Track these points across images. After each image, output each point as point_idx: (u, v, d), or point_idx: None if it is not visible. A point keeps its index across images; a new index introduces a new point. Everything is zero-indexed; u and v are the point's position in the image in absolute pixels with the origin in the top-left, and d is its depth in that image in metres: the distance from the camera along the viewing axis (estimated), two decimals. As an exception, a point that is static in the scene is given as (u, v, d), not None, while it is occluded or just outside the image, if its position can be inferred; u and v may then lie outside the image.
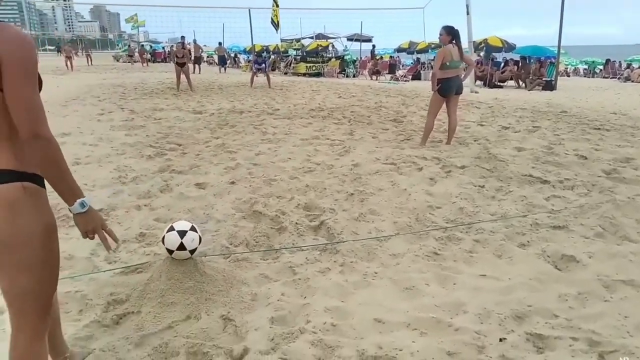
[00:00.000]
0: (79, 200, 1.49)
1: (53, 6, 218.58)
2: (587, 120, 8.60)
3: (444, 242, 3.38)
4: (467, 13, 13.57)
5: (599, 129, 7.68)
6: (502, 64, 17.46)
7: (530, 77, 15.36)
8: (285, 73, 23.78)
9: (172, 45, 18.24)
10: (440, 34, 6.46)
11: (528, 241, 3.34)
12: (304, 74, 22.40)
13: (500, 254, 3.18)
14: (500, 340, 2.27)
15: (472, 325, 2.38)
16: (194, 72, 22.41)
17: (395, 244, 3.34)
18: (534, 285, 2.75)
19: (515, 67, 16.42)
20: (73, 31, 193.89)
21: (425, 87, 16.78)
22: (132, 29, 67.07)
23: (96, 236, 1.56)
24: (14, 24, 1.38)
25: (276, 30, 21.05)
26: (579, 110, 9.93)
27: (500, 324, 2.39)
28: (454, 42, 6.25)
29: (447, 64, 6.17)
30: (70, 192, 1.48)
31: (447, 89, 6.30)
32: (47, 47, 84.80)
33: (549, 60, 16.26)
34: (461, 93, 6.59)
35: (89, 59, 32.09)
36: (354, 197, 4.26)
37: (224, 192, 4.39)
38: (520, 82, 15.91)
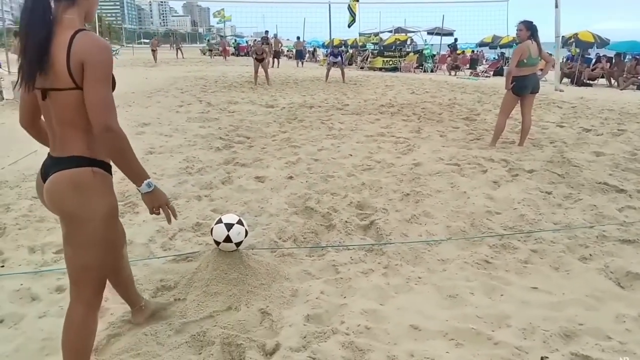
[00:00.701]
0: (145, 182, 1.72)
1: (150, 1, 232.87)
2: (684, 124, 7.80)
3: (498, 250, 3.23)
4: (556, 6, 12.72)
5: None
6: (594, 61, 16.19)
7: (624, 75, 14.14)
8: (362, 67, 23.68)
9: (254, 40, 18.79)
10: (519, 29, 6.14)
11: (590, 254, 3.11)
12: (380, 69, 22.18)
13: (557, 266, 3.00)
14: (542, 358, 2.16)
15: (514, 340, 2.27)
16: (272, 66, 23.01)
17: (444, 249, 3.25)
18: (590, 303, 2.57)
19: (608, 65, 15.16)
20: (167, 25, 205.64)
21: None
22: (218, 23, 69.96)
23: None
24: (94, 33, 1.62)
25: (352, 21, 20.86)
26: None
27: (545, 342, 2.26)
28: (532, 38, 5.91)
29: (525, 61, 5.86)
30: (137, 175, 1.72)
31: (522, 88, 5.99)
32: (142, 40, 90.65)
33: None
34: (537, 92, 6.24)
35: (180, 52, 33.72)
36: (409, 197, 4.18)
37: (281, 187, 4.49)
38: (613, 81, 14.69)
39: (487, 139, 6.76)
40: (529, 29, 5.96)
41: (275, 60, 23.98)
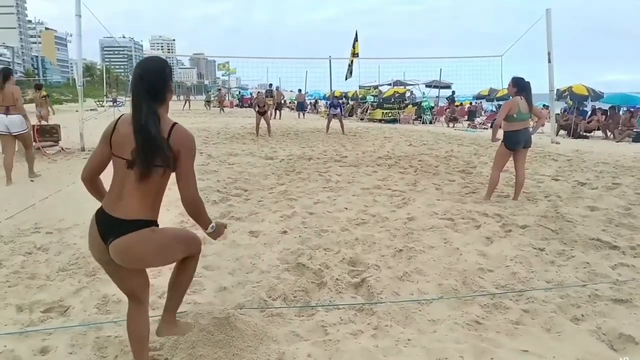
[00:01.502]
0: (210, 225, 2.38)
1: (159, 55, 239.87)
2: (677, 178, 7.85)
3: (490, 310, 3.20)
4: (549, 61, 13.10)
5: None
6: (589, 113, 16.50)
7: (620, 128, 14.36)
8: (362, 119, 24.13)
9: (258, 92, 19.28)
10: (509, 86, 6.35)
11: (583, 315, 3.08)
12: (380, 120, 22.58)
13: (549, 327, 2.96)
14: None
15: (502, 408, 2.22)
16: (274, 118, 23.48)
17: (436, 309, 3.22)
18: (581, 367, 2.53)
19: (603, 117, 15.43)
20: (174, 77, 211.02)
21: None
22: (224, 75, 71.85)
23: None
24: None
25: (349, 75, 21.51)
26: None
27: (534, 410, 2.21)
28: (521, 94, 6.04)
29: (514, 115, 5.95)
30: (204, 223, 2.36)
31: (514, 142, 6.07)
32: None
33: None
34: (530, 146, 6.33)
35: (188, 104, 34.48)
36: (402, 253, 4.18)
37: (274, 242, 4.50)
38: (609, 133, 14.91)
39: (483, 192, 6.80)
40: (515, 86, 6.12)
41: (277, 111, 24.48)
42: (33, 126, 10.28)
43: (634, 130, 14.03)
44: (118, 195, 2.13)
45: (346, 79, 21.89)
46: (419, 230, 4.89)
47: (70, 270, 3.79)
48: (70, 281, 3.59)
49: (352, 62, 22.40)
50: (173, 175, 2.18)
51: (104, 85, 36.00)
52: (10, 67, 9.45)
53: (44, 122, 11.92)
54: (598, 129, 15.55)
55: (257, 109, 15.19)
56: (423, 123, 22.02)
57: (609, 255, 4.16)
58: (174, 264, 2.51)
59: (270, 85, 24.46)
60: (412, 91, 25.95)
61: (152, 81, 2.13)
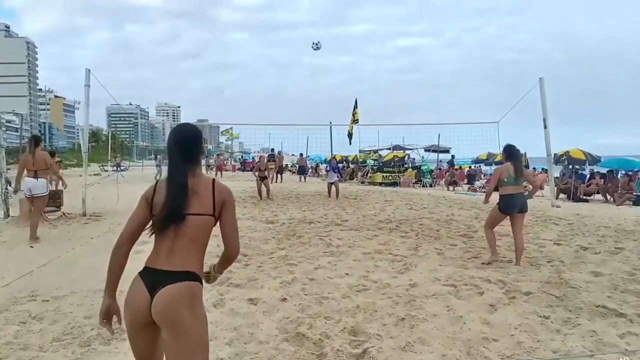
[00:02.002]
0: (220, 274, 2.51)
1: (163, 121, 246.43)
2: (680, 242, 7.80)
3: (496, 382, 3.09)
4: (545, 127, 13.41)
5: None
6: (588, 177, 16.65)
7: (619, 191, 14.44)
8: (362, 182, 24.33)
9: (260, 156, 19.57)
10: (501, 153, 6.71)
11: (593, 389, 2.97)
12: (380, 183, 22.78)
13: (558, 402, 2.85)
14: None
15: None
16: (276, 181, 23.71)
17: (439, 381, 3.11)
18: None
19: (602, 181, 15.56)
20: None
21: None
22: (226, 141, 73.25)
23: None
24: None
25: (349, 142, 22.04)
26: (673, 230, 9.06)
27: None
28: (510, 160, 6.32)
29: (505, 180, 6.20)
30: (222, 271, 2.49)
31: (509, 206, 6.24)
32: (153, 156, 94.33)
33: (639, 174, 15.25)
34: (525, 211, 6.43)
35: None
36: (405, 322, 4.09)
37: (273, 310, 4.41)
38: (608, 196, 14.97)
39: (485, 257, 6.75)
40: (505, 153, 6.52)
41: (279, 175, 24.74)
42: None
43: (634, 193, 14.09)
44: (167, 251, 2.13)
45: (350, 143, 22.36)
46: (421, 297, 4.80)
47: (65, 341, 3.70)
48: (63, 352, 3.50)
49: (352, 128, 22.98)
50: None
51: (109, 150, 36.83)
52: (22, 134, 9.93)
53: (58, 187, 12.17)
54: (597, 193, 15.62)
55: (257, 173, 15.41)
56: (423, 186, 22.19)
57: (616, 324, 4.06)
58: None
59: (272, 150, 24.97)
60: (409, 154, 26.34)
61: (187, 146, 2.29)
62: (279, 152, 27.10)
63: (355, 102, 23.66)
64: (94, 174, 31.26)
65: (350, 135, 21.87)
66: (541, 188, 18.53)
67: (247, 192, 17.71)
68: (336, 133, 23.41)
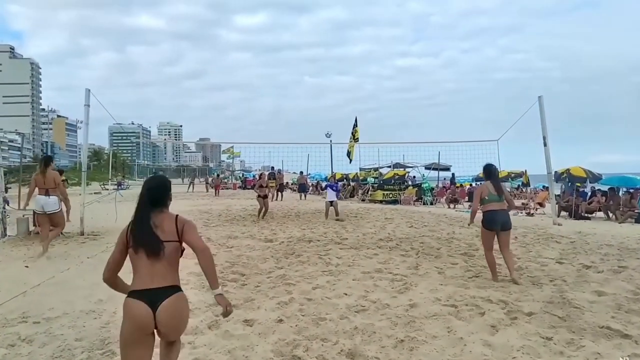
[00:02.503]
0: (220, 286, 2.88)
1: (165, 139, 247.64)
2: (684, 260, 7.68)
3: (497, 407, 2.98)
4: (545, 144, 13.39)
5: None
6: (589, 195, 16.57)
7: (621, 209, 14.34)
8: (363, 200, 24.26)
9: (261, 173, 19.48)
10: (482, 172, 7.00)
11: (598, 415, 2.85)
12: (381, 201, 22.70)
13: None
14: None
15: None
16: (276, 199, 23.64)
17: (439, 406, 3.00)
18: None
19: (604, 198, 15.47)
20: (179, 160, 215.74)
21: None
22: (227, 159, 73.53)
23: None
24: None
25: (350, 161, 22.04)
26: (676, 248, 8.93)
27: None
28: (489, 179, 6.60)
29: (486, 197, 6.42)
30: (215, 281, 2.84)
31: (490, 221, 6.41)
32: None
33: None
34: (509, 228, 6.53)
35: (192, 186, 34.91)
36: (404, 344, 3.98)
37: (269, 332, 4.31)
38: (610, 214, 14.87)
39: (486, 276, 6.66)
40: (483, 172, 6.83)
41: (279, 193, 24.68)
42: (33, 212, 10.36)
43: (636, 211, 13.99)
44: (151, 274, 2.72)
45: (350, 162, 22.35)
46: (421, 318, 4.70)
47: (54, 364, 3.60)
48: (51, 376, 3.40)
49: (352, 146, 22.99)
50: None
51: (109, 169, 36.89)
52: (24, 153, 10.27)
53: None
54: (599, 210, 15.52)
55: (259, 190, 15.12)
56: (424, 204, 22.10)
57: (621, 345, 3.95)
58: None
59: (272, 168, 24.96)
60: (409, 172, 26.30)
61: (157, 192, 2.98)
62: (279, 171, 27.08)
63: (356, 120, 23.72)
64: (94, 192, 31.34)
65: (349, 153, 21.86)
66: (542, 206, 18.49)
67: (247, 211, 17.64)
68: (336, 151, 23.39)
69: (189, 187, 34.51)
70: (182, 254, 2.89)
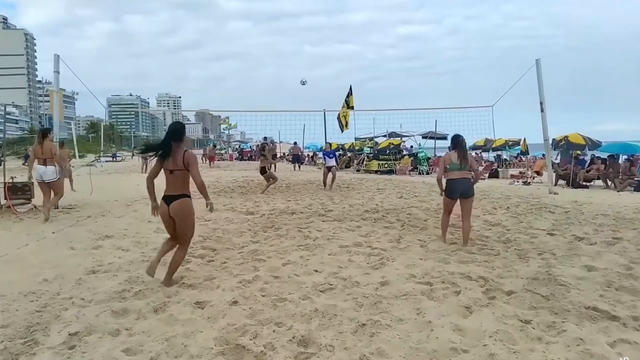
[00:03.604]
0: (209, 200, 4.84)
1: (164, 112, 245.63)
2: (683, 230, 7.24)
3: (458, 406, 2.58)
4: (542, 110, 12.80)
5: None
6: (588, 162, 16.04)
7: (620, 177, 13.85)
8: (358, 170, 23.78)
9: (263, 144, 18.60)
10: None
11: (573, 416, 2.45)
12: (376, 171, 22.23)
13: None
14: None
15: None
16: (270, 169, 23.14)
17: (391, 405, 2.60)
18: None
19: (603, 166, 14.94)
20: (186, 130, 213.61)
21: (499, 185, 15.74)
22: (223, 130, 72.53)
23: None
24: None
25: (342, 130, 21.42)
26: (676, 217, 8.48)
27: None
28: (454, 148, 6.75)
29: (448, 166, 6.62)
30: (207, 197, 4.80)
31: (450, 190, 6.62)
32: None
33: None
34: (470, 196, 6.61)
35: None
36: (365, 329, 3.58)
37: (220, 315, 3.90)
38: (609, 182, 14.38)
39: (472, 249, 6.26)
40: (450, 142, 7.02)
41: (272, 165, 24.17)
42: (4, 184, 9.93)
43: (635, 179, 13.50)
44: (168, 185, 4.65)
45: (342, 131, 21.73)
46: (390, 298, 4.28)
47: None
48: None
49: (346, 114, 22.34)
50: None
51: (101, 142, 36.37)
52: (48, 127, 10.60)
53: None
54: (598, 179, 15.02)
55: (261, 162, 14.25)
56: (419, 174, 21.62)
57: (607, 328, 3.54)
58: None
59: (265, 138, 24.34)
60: (404, 142, 25.70)
61: (175, 131, 4.69)
62: (272, 141, 26.50)
63: (350, 88, 22.99)
64: (87, 165, 30.95)
65: (340, 121, 21.23)
66: (540, 174, 17.99)
67: (237, 182, 17.24)
68: (331, 120, 22.77)
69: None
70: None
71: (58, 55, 10.35)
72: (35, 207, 9.99)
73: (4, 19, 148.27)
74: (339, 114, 20.97)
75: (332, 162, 15.04)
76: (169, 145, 4.55)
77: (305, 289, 4.58)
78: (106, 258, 5.85)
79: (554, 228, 7.69)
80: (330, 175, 14.68)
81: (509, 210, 9.72)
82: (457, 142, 6.82)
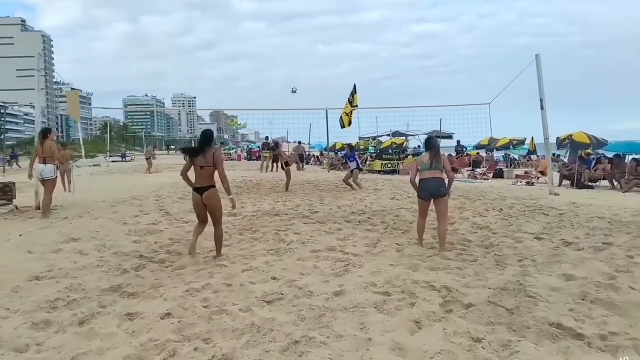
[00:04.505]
0: (231, 194, 6.05)
1: (179, 112, 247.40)
2: (680, 235, 6.73)
3: None
4: (542, 108, 12.29)
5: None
6: (594, 162, 15.41)
7: (627, 177, 13.24)
8: (361, 170, 23.34)
9: (276, 143, 18.67)
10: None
11: None
12: (379, 172, 21.80)
13: None
14: None
15: None
16: (272, 170, 22.95)
17: None
18: None
19: (610, 166, 14.32)
20: (194, 132, 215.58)
21: (500, 186, 15.20)
22: (236, 130, 72.82)
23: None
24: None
25: (342, 127, 21.08)
26: (678, 220, 7.95)
27: None
28: (427, 150, 6.71)
29: (419, 167, 6.51)
30: (229, 191, 5.93)
31: (420, 189, 6.50)
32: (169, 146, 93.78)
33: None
34: (441, 197, 6.30)
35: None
36: (297, 347, 3.23)
37: (144, 330, 3.59)
38: (615, 183, 13.77)
39: (448, 255, 5.88)
40: (425, 144, 7.26)
41: (274, 164, 23.92)
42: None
43: (642, 179, 12.89)
44: (198, 179, 5.77)
45: (343, 127, 21.41)
46: (337, 310, 3.93)
47: None
48: None
49: (351, 113, 22.01)
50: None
51: (107, 141, 36.44)
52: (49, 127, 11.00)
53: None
54: (604, 179, 14.40)
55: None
56: (423, 174, 21.14)
57: (569, 349, 3.14)
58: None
59: (267, 138, 24.03)
60: (408, 141, 25.19)
61: (206, 137, 5.95)
62: (274, 141, 26.21)
63: (354, 87, 22.68)
64: (93, 165, 31.06)
65: (343, 121, 20.89)
66: (545, 174, 17.39)
67: (235, 183, 16.95)
68: (333, 119, 22.43)
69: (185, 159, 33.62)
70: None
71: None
72: (16, 208, 9.84)
73: (22, 21, 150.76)
74: (341, 115, 20.69)
75: (353, 165, 14.88)
76: (203, 148, 5.77)
77: (252, 300, 4.26)
78: (60, 263, 5.59)
79: (544, 232, 7.25)
80: (352, 177, 14.44)
81: (501, 212, 9.27)
82: (431, 144, 6.81)
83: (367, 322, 3.65)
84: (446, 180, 6.42)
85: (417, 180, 6.52)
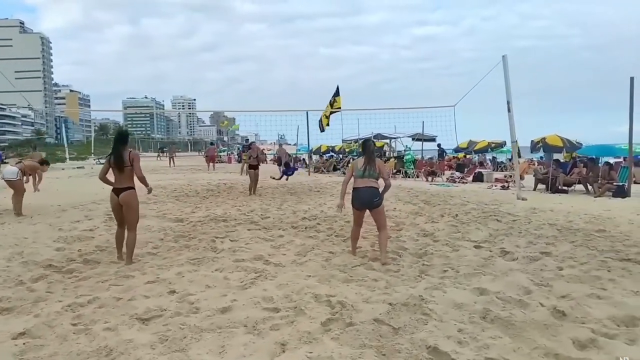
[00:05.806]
0: (150, 186, 6.27)
1: (179, 113, 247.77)
2: (622, 245, 6.38)
3: None
4: (509, 110, 11.96)
5: (628, 260, 5.55)
6: (570, 166, 15.05)
7: (599, 181, 12.90)
8: (344, 173, 23.04)
9: (251, 143, 18.10)
10: None
11: None
12: (360, 175, 21.47)
13: None
14: None
15: None
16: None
17: None
18: None
19: (585, 170, 13.98)
20: (193, 134, 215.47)
21: (473, 190, 14.83)
22: (229, 132, 72.50)
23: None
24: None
25: (321, 130, 20.79)
26: (627, 229, 7.58)
27: None
28: (363, 155, 6.15)
29: (354, 174, 6.08)
30: (147, 186, 6.14)
31: (353, 199, 6.10)
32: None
33: (621, 162, 13.66)
34: (373, 207, 5.93)
35: (172, 162, 33.31)
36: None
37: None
38: (589, 187, 13.43)
39: (373, 265, 5.57)
40: (360, 147, 6.82)
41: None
42: None
43: (614, 183, 12.55)
44: (117, 180, 5.77)
45: (321, 131, 21.14)
46: (207, 330, 3.61)
47: None
48: None
49: (329, 113, 21.71)
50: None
51: (92, 143, 36.16)
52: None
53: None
54: (579, 183, 14.06)
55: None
56: (403, 177, 20.81)
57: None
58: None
59: (247, 140, 23.77)
60: (388, 143, 24.86)
61: (121, 136, 5.89)
62: (253, 142, 25.92)
63: (337, 89, 22.35)
64: (77, 167, 30.79)
65: (322, 123, 20.60)
66: (521, 178, 17.05)
67: (209, 186, 16.60)
68: (313, 121, 22.08)
69: (169, 162, 32.96)
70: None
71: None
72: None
73: (20, 23, 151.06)
74: (323, 115, 20.40)
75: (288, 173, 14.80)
76: (117, 148, 5.70)
77: (126, 318, 3.93)
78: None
79: (487, 239, 6.93)
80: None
81: (455, 218, 8.94)
82: (365, 147, 6.30)
83: (229, 345, 3.33)
84: (381, 189, 6.09)
85: (351, 187, 6.17)
